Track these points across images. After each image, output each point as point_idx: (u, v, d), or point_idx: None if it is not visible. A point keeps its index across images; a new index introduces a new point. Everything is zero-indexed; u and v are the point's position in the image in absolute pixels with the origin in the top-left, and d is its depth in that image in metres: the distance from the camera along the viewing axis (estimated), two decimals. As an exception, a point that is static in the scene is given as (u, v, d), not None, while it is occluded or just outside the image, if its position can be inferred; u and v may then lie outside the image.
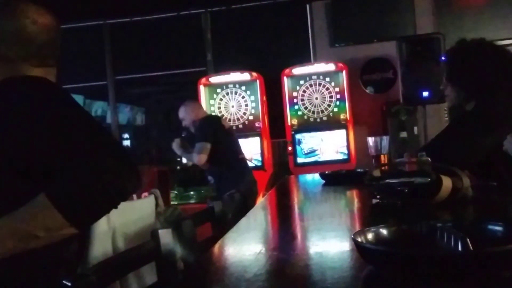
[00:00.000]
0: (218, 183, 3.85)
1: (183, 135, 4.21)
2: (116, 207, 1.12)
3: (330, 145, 4.88)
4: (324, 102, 4.98)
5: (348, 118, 4.86)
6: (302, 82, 5.03)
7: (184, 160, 6.09)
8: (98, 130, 1.18)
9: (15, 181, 1.14)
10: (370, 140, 2.09)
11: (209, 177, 4.02)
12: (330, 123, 4.94)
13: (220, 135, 3.78)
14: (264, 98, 5.10)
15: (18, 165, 1.13)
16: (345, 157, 4.83)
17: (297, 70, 5.01)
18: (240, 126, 5.12)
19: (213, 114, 4.31)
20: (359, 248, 0.82)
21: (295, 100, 5.02)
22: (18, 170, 1.13)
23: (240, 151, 3.95)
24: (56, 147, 1.09)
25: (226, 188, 3.61)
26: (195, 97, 5.28)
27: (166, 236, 1.22)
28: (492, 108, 1.87)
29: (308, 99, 5.01)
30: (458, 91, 1.96)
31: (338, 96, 4.95)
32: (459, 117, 2.08)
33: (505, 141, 1.71)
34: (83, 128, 1.16)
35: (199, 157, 3.70)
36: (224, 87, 5.21)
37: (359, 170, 2.55)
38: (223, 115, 4.89)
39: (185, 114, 3.96)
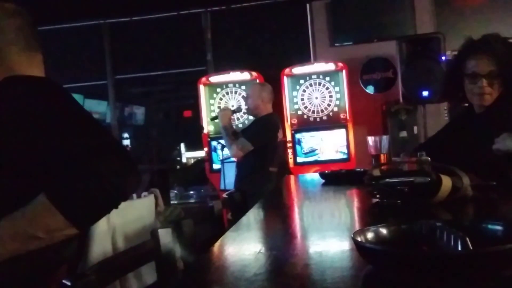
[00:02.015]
0: (238, 177, 3.83)
1: (234, 108, 4.16)
2: (116, 207, 1.12)
3: (330, 145, 4.87)
4: (324, 102, 4.98)
5: (348, 118, 4.86)
6: (302, 81, 5.02)
7: (184, 159, 6.09)
8: (97, 129, 1.18)
9: (15, 181, 1.14)
10: (370, 140, 2.09)
11: (235, 168, 3.97)
12: (330, 123, 4.93)
13: (268, 143, 3.71)
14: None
15: (18, 166, 1.12)
16: (345, 156, 4.82)
17: (297, 70, 5.01)
18: (240, 125, 5.12)
19: (276, 116, 3.97)
20: (359, 247, 0.82)
21: (295, 100, 5.02)
22: (18, 171, 1.13)
23: (274, 164, 3.83)
24: (55, 147, 1.09)
25: (240, 186, 3.61)
26: (195, 97, 5.29)
27: (166, 236, 1.22)
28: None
29: (308, 99, 5.00)
30: (501, 86, 1.93)
31: (338, 95, 4.95)
32: (468, 115, 2.07)
33: (496, 140, 1.72)
34: (82, 127, 1.16)
35: (236, 153, 3.66)
36: (224, 87, 5.20)
37: (359, 170, 2.54)
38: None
39: (254, 97, 3.83)
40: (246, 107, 4.06)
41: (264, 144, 3.68)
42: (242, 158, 3.72)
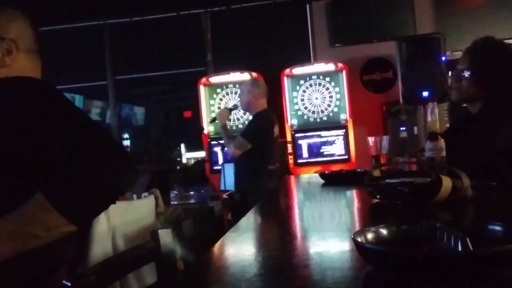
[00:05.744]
0: (237, 176, 3.84)
1: (231, 107, 4.16)
2: (114, 202, 1.12)
3: (330, 145, 4.88)
4: (324, 102, 4.98)
5: (348, 118, 4.86)
6: (302, 82, 5.02)
7: (184, 159, 6.10)
8: (92, 127, 1.18)
9: (12, 181, 1.13)
10: (370, 140, 2.09)
11: (234, 167, 3.97)
12: (330, 123, 4.93)
13: (265, 140, 3.71)
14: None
15: (15, 165, 1.12)
16: (345, 157, 4.83)
17: (297, 70, 5.01)
18: (240, 126, 5.11)
19: (270, 112, 3.94)
20: (359, 248, 0.82)
21: (295, 100, 5.03)
22: (15, 170, 1.13)
23: (272, 161, 3.83)
24: (51, 146, 1.09)
25: (240, 185, 3.67)
26: (195, 97, 5.29)
27: (166, 236, 1.22)
28: (503, 108, 1.90)
29: (308, 99, 5.00)
30: (475, 86, 1.96)
31: (338, 96, 4.95)
32: (467, 116, 2.08)
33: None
34: (77, 125, 1.15)
35: (235, 151, 3.68)
36: (224, 87, 5.21)
37: (359, 170, 2.54)
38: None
39: (245, 93, 3.85)
40: (240, 102, 4.06)
41: (260, 141, 3.67)
42: (240, 157, 3.71)
